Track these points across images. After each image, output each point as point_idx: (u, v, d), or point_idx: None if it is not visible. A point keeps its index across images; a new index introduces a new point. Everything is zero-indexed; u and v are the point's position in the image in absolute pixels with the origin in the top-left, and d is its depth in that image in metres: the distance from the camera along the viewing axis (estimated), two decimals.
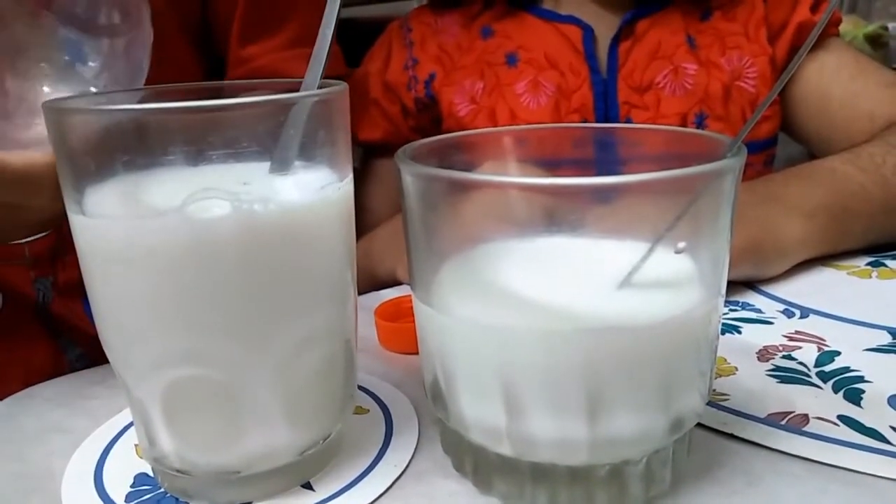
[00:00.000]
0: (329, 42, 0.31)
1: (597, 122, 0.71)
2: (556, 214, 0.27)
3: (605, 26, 0.72)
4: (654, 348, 0.27)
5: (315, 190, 0.29)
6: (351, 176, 0.32)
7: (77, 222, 0.28)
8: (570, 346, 0.27)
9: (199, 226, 0.26)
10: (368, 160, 0.81)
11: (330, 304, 0.31)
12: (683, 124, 0.70)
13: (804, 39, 0.72)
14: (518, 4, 0.74)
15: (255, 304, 0.28)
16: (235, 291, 0.27)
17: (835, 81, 0.72)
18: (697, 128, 0.70)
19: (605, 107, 0.71)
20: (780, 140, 0.77)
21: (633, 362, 0.27)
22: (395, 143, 0.76)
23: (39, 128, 0.32)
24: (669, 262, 0.28)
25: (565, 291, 0.28)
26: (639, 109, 0.71)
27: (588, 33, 0.71)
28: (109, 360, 0.31)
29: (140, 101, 0.27)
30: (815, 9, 0.72)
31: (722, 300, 0.30)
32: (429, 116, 0.76)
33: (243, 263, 0.27)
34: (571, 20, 0.72)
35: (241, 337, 0.28)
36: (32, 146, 0.33)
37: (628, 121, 0.71)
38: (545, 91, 0.71)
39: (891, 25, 1.53)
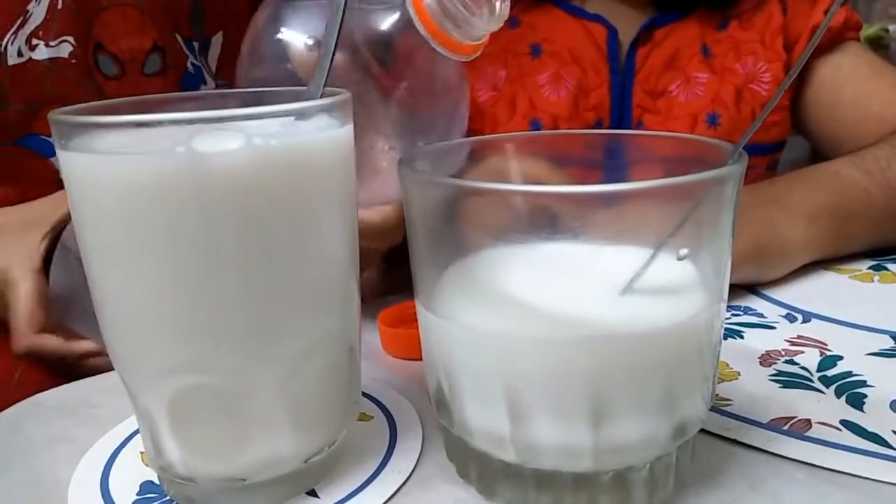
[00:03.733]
0: (332, 51, 0.31)
1: (611, 121, 0.72)
2: (558, 221, 0.27)
3: (627, 29, 0.73)
4: (657, 355, 0.27)
5: (314, 130, 0.29)
6: (351, 126, 0.31)
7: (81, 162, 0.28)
8: (574, 353, 0.27)
9: (205, 161, 0.26)
10: None
11: (333, 309, 0.31)
12: (694, 124, 0.71)
13: (820, 42, 0.72)
14: None
15: (257, 280, 0.28)
16: (237, 267, 0.27)
17: (848, 84, 0.72)
18: (709, 127, 0.71)
19: (621, 108, 0.72)
20: (785, 143, 0.78)
21: (636, 369, 0.27)
22: None
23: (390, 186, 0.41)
24: (672, 269, 0.28)
25: (568, 298, 0.28)
26: (650, 114, 0.72)
27: (613, 34, 0.72)
28: (116, 368, 0.31)
29: (154, 110, 0.27)
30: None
31: (724, 305, 0.30)
32: None
33: (244, 220, 0.27)
34: (598, 19, 0.73)
35: (246, 342, 0.28)
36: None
37: (640, 124, 0.72)
38: (566, 85, 0.72)
39: (891, 27, 1.53)
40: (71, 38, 0.59)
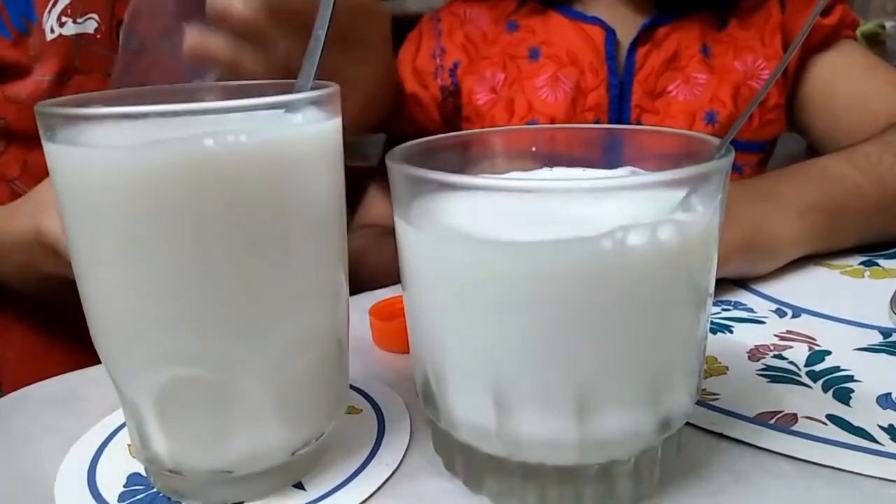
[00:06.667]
0: (322, 42, 0.31)
1: (609, 121, 0.72)
2: (544, 212, 0.27)
3: (626, 30, 0.73)
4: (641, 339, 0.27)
5: (302, 122, 0.29)
6: (339, 119, 0.31)
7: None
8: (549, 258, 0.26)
9: (191, 153, 0.26)
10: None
11: (321, 302, 0.31)
12: (692, 122, 0.71)
13: (815, 40, 0.73)
14: (548, 3, 0.76)
15: (244, 273, 0.28)
16: (224, 259, 0.27)
17: (843, 80, 0.73)
18: (707, 125, 0.71)
19: (619, 108, 0.72)
20: (779, 140, 0.78)
21: (619, 343, 0.27)
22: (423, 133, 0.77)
23: None
24: None
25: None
26: (649, 114, 0.72)
27: (611, 36, 0.73)
28: (102, 361, 0.31)
29: (145, 103, 0.27)
30: (827, 13, 0.73)
31: (710, 299, 0.30)
32: (452, 104, 0.78)
33: (230, 210, 0.27)
34: (596, 21, 0.74)
35: (232, 335, 0.28)
36: None
37: (639, 124, 0.72)
38: (563, 87, 0.72)
39: (888, 24, 1.53)
40: (96, 16, 0.66)
